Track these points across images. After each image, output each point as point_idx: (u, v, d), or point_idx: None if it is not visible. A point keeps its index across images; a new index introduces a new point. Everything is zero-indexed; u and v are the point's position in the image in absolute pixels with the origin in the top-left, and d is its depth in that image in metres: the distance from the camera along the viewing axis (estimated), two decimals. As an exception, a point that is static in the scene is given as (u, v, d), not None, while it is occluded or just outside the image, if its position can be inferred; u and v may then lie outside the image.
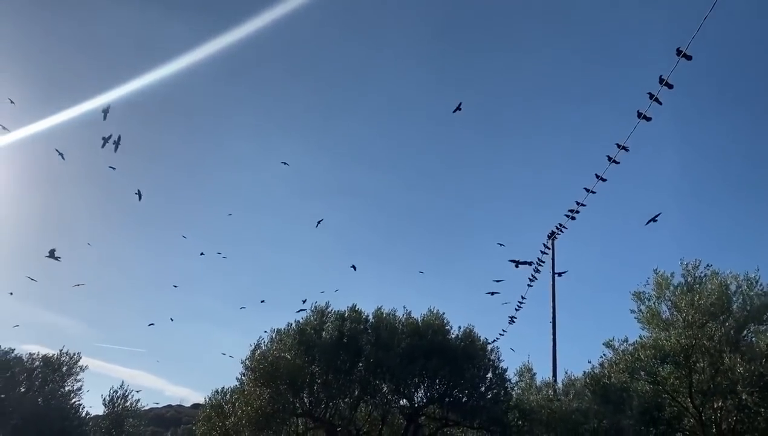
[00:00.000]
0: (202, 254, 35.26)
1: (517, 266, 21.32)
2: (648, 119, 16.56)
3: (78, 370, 24.38)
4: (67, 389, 23.97)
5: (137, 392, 24.77)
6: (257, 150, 74.97)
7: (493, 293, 21.98)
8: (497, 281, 22.18)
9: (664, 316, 18.10)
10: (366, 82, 76.24)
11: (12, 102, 20.27)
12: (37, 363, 24.14)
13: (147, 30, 65.36)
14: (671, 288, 17.94)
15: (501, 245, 27.08)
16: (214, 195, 75.68)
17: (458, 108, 17.01)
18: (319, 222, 24.09)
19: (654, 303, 18.31)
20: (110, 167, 21.67)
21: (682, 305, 17.26)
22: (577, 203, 20.09)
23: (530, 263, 22.75)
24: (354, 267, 23.27)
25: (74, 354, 24.67)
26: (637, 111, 16.61)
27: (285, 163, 24.28)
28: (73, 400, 23.91)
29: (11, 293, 26.60)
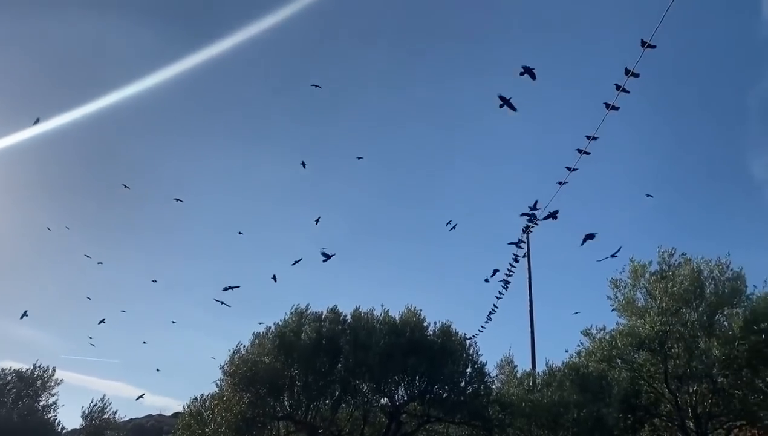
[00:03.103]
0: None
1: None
2: (616, 109, 16.71)
3: (53, 384, 23.87)
4: (41, 404, 23.46)
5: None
6: (236, 162, 74.35)
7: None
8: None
9: (639, 303, 18.34)
10: (341, 90, 76.07)
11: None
12: (9, 378, 23.59)
13: (116, 41, 64.18)
14: (646, 276, 18.19)
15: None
16: (191, 205, 74.72)
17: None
18: (317, 220, 23.40)
19: (630, 291, 18.56)
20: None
21: (657, 292, 17.50)
22: (560, 184, 19.96)
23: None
24: None
25: (48, 368, 24.18)
26: (605, 102, 16.77)
27: (316, 86, 22.41)
28: (49, 415, 23.42)
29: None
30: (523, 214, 17.36)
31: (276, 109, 77.16)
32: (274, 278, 20.20)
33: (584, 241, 16.35)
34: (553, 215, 18.26)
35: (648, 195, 20.87)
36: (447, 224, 20.10)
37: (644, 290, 18.23)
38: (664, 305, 17.36)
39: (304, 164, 21.58)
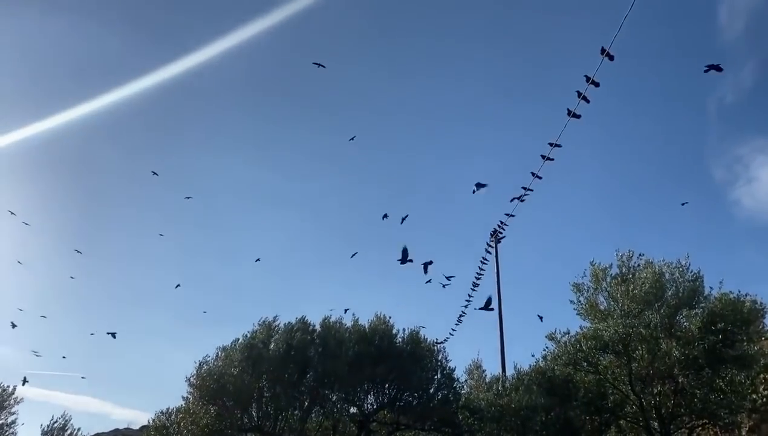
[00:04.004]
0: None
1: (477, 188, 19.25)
2: (577, 117, 17.06)
3: (12, 402, 23.20)
4: (0, 423, 22.77)
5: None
6: (206, 166, 73.62)
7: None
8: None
9: (602, 306, 18.65)
10: (310, 92, 76.27)
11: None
12: (-33, 399, 22.87)
13: (89, 47, 63.12)
14: (608, 279, 18.50)
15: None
16: (161, 211, 73.64)
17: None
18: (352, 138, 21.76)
19: (592, 294, 18.84)
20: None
21: (618, 295, 17.81)
22: (524, 191, 20.02)
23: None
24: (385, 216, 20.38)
25: (8, 387, 23.51)
26: (567, 109, 17.12)
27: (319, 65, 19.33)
28: (8, 433, 22.74)
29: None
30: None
31: (247, 112, 76.69)
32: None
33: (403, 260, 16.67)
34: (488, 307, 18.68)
35: (683, 203, 21.49)
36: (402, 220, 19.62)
37: (606, 293, 18.57)
38: (626, 307, 17.69)
39: (386, 216, 20.08)
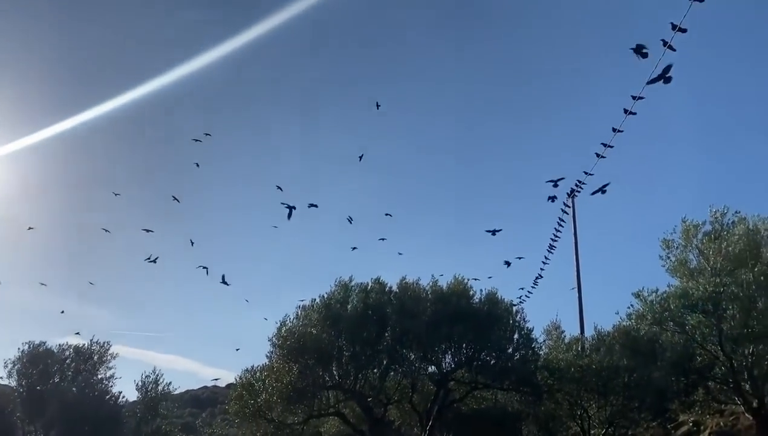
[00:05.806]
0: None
1: (555, 186, 19.54)
2: (673, 49, 15.95)
3: (109, 358, 24.77)
4: (99, 376, 24.40)
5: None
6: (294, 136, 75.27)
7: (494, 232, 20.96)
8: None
9: (692, 265, 17.81)
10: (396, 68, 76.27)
11: None
12: (68, 354, 24.56)
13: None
14: (699, 236, 17.60)
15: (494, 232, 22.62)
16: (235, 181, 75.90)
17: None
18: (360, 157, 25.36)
19: (682, 252, 18.01)
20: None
21: (710, 252, 16.93)
22: (597, 155, 19.35)
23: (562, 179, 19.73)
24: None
25: (104, 343, 25.08)
26: (662, 40, 15.98)
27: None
28: (107, 387, 24.37)
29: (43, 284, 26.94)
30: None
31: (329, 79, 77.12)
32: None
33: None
34: (602, 190, 17.89)
35: None
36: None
37: (697, 250, 17.69)
38: (717, 265, 16.81)
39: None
